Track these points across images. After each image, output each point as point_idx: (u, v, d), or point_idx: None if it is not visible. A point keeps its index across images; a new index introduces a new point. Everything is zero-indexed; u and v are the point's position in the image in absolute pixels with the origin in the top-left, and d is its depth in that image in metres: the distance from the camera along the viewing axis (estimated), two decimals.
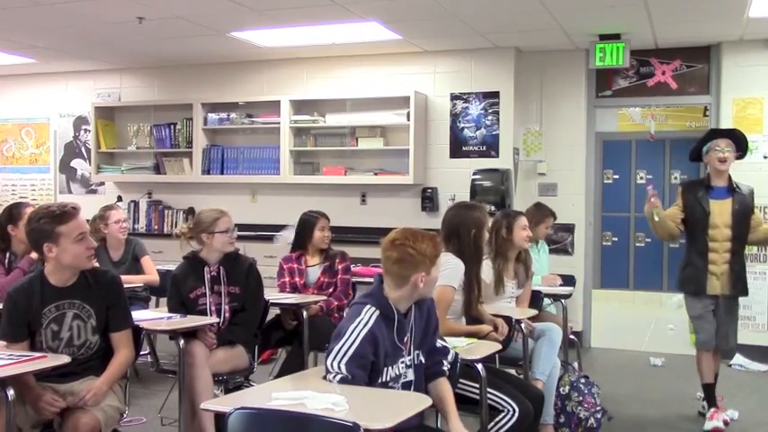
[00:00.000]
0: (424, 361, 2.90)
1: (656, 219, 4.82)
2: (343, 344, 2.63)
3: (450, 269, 3.72)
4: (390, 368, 2.76)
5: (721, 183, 4.83)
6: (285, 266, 5.13)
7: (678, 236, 5.01)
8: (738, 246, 4.81)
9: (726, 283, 4.79)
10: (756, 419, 4.94)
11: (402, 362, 2.80)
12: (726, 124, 6.68)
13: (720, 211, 4.78)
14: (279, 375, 4.28)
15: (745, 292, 4.88)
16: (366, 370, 2.64)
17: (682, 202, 4.91)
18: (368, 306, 2.73)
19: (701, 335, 4.89)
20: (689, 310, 4.95)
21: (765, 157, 6.58)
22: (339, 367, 2.59)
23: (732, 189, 4.82)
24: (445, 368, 2.96)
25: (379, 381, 2.72)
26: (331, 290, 5.04)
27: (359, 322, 2.68)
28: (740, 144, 4.86)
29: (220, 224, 4.17)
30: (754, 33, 6.40)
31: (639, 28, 6.22)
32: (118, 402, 3.28)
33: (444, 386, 2.95)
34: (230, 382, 4.18)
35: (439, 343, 2.98)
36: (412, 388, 2.83)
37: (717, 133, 5.00)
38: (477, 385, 3.29)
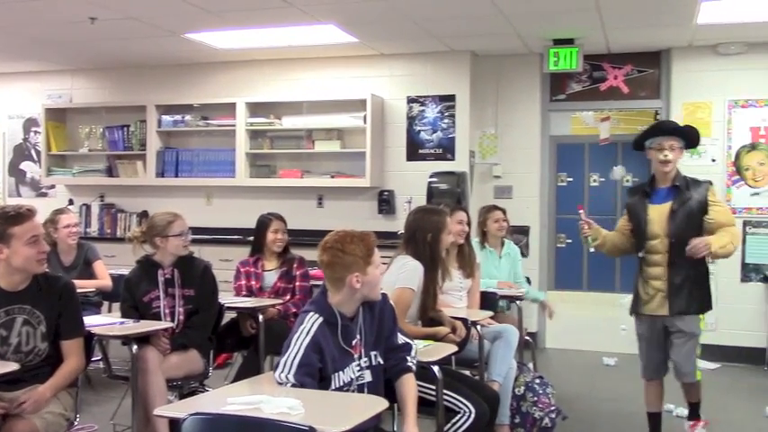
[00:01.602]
0: (382, 361, 2.89)
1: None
2: (289, 355, 2.65)
3: (407, 271, 3.73)
4: (341, 373, 2.75)
5: (665, 184, 4.17)
6: (242, 270, 5.09)
7: (631, 250, 4.32)
8: (679, 254, 4.01)
9: (669, 302, 4.10)
10: (706, 416, 5.04)
11: (356, 365, 2.80)
12: None
13: (659, 217, 4.11)
14: (235, 380, 4.24)
15: (692, 309, 4.10)
16: (315, 377, 2.65)
17: (627, 210, 4.35)
18: (311, 314, 2.75)
19: (641, 361, 4.36)
20: (635, 328, 4.39)
21: (714, 161, 6.73)
22: (288, 378, 2.61)
23: (676, 189, 4.13)
24: (410, 363, 2.95)
25: (332, 387, 2.72)
26: (288, 296, 4.98)
27: (301, 331, 2.69)
28: (690, 140, 4.21)
29: (174, 227, 4.13)
30: (703, 40, 6.55)
31: (592, 33, 6.32)
32: (62, 410, 3.19)
33: (408, 384, 2.92)
34: (185, 387, 4.13)
35: (401, 339, 2.97)
36: (366, 390, 2.82)
37: (660, 130, 4.22)
38: (433, 387, 3.30)
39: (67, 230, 5.48)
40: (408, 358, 2.95)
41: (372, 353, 2.86)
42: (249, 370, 4.47)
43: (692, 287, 4.08)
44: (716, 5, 5.46)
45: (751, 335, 6.63)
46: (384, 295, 2.97)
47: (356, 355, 2.80)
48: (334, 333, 2.75)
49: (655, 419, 4.37)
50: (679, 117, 6.83)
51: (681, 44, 6.76)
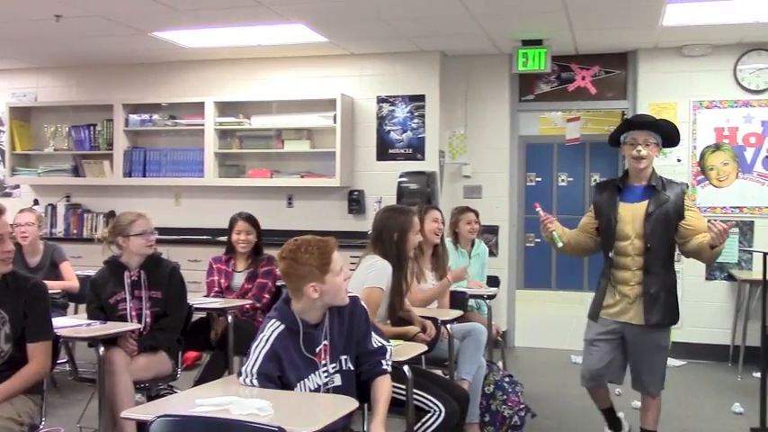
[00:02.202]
0: (353, 367, 2.84)
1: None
2: (248, 363, 2.66)
3: (375, 270, 3.73)
4: (306, 381, 2.72)
5: (639, 182, 3.90)
6: (215, 266, 5.06)
7: (596, 250, 4.07)
8: (655, 261, 3.81)
9: (639, 310, 3.84)
10: (671, 413, 5.12)
11: (323, 371, 2.76)
12: None
13: (632, 217, 3.83)
14: (199, 381, 4.20)
15: (666, 321, 3.88)
16: (276, 384, 2.64)
17: (593, 207, 4.04)
18: (272, 321, 2.74)
19: (582, 366, 4.11)
20: (585, 333, 4.10)
21: (679, 161, 6.83)
22: (252, 382, 2.62)
23: (652, 189, 3.87)
24: (385, 367, 2.90)
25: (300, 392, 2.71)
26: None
27: (261, 339, 2.69)
28: (667, 136, 3.92)
29: (136, 227, 4.07)
30: (668, 41, 6.64)
31: (560, 34, 6.38)
32: (15, 415, 3.07)
33: (382, 385, 2.88)
34: (153, 389, 4.09)
35: (376, 343, 2.92)
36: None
37: (634, 124, 3.94)
38: (403, 386, 3.30)
39: (19, 230, 5.35)
40: (383, 361, 2.91)
41: (342, 357, 2.82)
42: (214, 370, 4.44)
43: (666, 297, 3.84)
44: (681, 8, 5.54)
45: (716, 332, 6.74)
46: (355, 298, 2.94)
47: (322, 362, 2.76)
48: (296, 341, 2.72)
49: (609, 412, 4.32)
50: None
51: (647, 46, 6.85)
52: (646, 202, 3.82)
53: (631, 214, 3.84)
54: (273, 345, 2.67)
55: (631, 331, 3.88)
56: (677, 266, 4.19)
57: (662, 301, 3.81)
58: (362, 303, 2.97)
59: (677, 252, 3.95)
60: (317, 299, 2.72)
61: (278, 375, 2.65)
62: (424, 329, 3.89)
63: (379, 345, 2.93)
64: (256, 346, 2.68)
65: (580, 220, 4.10)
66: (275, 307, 2.83)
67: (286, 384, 2.67)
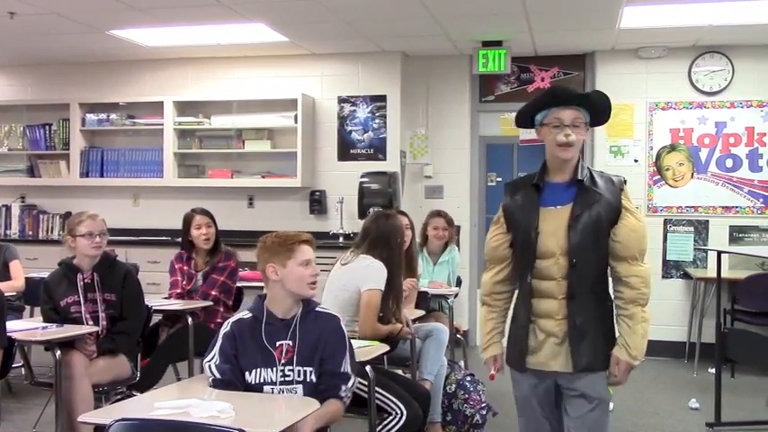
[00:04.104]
0: (315, 379, 2.78)
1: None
2: (213, 343, 2.77)
3: (375, 272, 3.82)
4: (262, 370, 2.73)
5: (561, 177, 2.78)
6: (176, 266, 4.93)
7: (516, 279, 2.92)
8: (581, 283, 2.70)
9: (567, 353, 2.72)
10: (628, 409, 5.20)
11: (280, 369, 2.74)
12: (600, 129, 7.00)
13: (555, 227, 2.72)
14: (138, 384, 4.12)
15: (598, 364, 2.73)
16: (233, 365, 2.72)
17: (503, 215, 2.88)
18: (243, 311, 2.87)
19: None
20: (513, 388, 2.96)
21: (636, 161, 6.95)
22: (210, 368, 2.71)
23: (579, 185, 2.75)
24: (342, 394, 2.78)
25: (252, 382, 2.72)
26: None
27: (226, 323, 2.83)
28: (598, 112, 2.80)
29: (82, 227, 3.99)
30: (625, 44, 6.75)
31: (520, 36, 6.44)
32: None
33: (328, 405, 2.71)
34: (112, 392, 4.04)
35: (345, 368, 2.80)
36: None
37: (559, 98, 2.75)
38: (365, 383, 3.31)
39: None
40: (343, 388, 2.78)
41: (306, 368, 2.77)
42: (154, 371, 4.35)
43: (597, 332, 2.73)
44: (637, 11, 5.63)
45: (672, 329, 6.85)
46: (338, 321, 2.88)
47: (281, 361, 2.75)
48: (257, 328, 2.78)
49: None
50: None
51: (604, 48, 6.95)
52: (571, 203, 2.73)
53: (554, 221, 2.73)
54: (232, 327, 2.78)
55: (564, 382, 2.77)
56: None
57: (592, 337, 2.71)
58: (343, 326, 2.88)
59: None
60: (278, 282, 2.78)
61: (233, 354, 2.74)
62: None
63: (345, 372, 2.81)
64: (221, 330, 2.81)
65: (486, 243, 2.98)
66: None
67: (241, 368, 2.75)
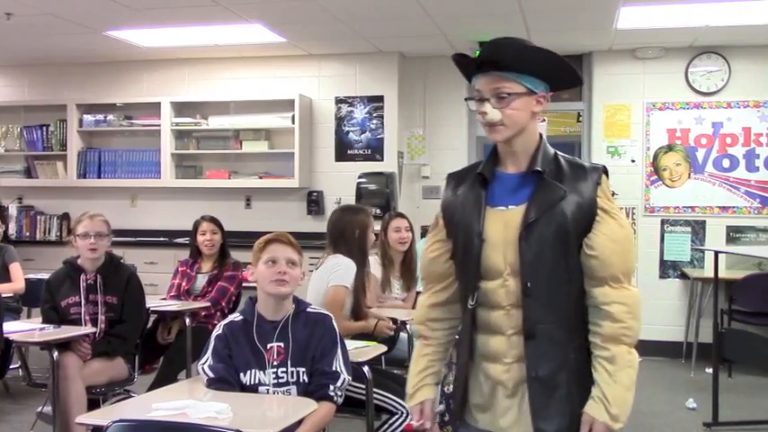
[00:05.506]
0: (307, 380, 2.77)
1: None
2: (207, 346, 2.79)
3: (341, 269, 3.80)
4: (256, 371, 2.74)
5: (515, 166, 2.07)
6: (180, 269, 5.02)
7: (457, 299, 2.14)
8: (543, 314, 1.95)
9: (522, 412, 1.99)
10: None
11: (273, 373, 2.74)
12: (597, 129, 7.03)
13: (503, 236, 1.99)
14: (152, 388, 4.13)
15: (573, 428, 1.96)
16: (228, 364, 2.73)
17: (442, 217, 2.22)
18: (236, 314, 2.90)
19: None
20: None
21: (633, 161, 6.95)
22: (204, 370, 2.72)
23: (537, 177, 2.01)
24: (331, 393, 2.73)
25: (248, 383, 2.72)
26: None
27: (218, 326, 2.85)
28: (547, 73, 2.16)
29: (80, 227, 3.98)
30: (622, 44, 6.75)
31: (516, 36, 6.42)
32: None
33: (317, 409, 2.60)
34: (109, 394, 4.03)
35: (335, 367, 2.77)
36: None
37: (466, 65, 2.24)
38: (363, 386, 3.31)
39: None
40: (331, 387, 2.73)
41: (299, 369, 2.77)
42: (167, 375, 4.36)
43: (571, 385, 1.97)
44: (634, 11, 5.64)
45: (670, 329, 6.86)
46: (330, 319, 2.88)
47: (272, 362, 2.75)
48: (249, 330, 2.80)
49: None
50: (600, 119, 7.03)
51: (601, 48, 6.95)
52: (525, 205, 1.99)
53: (503, 227, 2.00)
54: (224, 329, 2.81)
55: None
56: None
57: (564, 394, 1.96)
58: (334, 324, 2.88)
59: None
60: (256, 283, 2.85)
61: (228, 354, 2.74)
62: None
63: (336, 370, 2.77)
64: (214, 332, 2.83)
65: (422, 255, 2.27)
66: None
67: (235, 369, 2.76)
